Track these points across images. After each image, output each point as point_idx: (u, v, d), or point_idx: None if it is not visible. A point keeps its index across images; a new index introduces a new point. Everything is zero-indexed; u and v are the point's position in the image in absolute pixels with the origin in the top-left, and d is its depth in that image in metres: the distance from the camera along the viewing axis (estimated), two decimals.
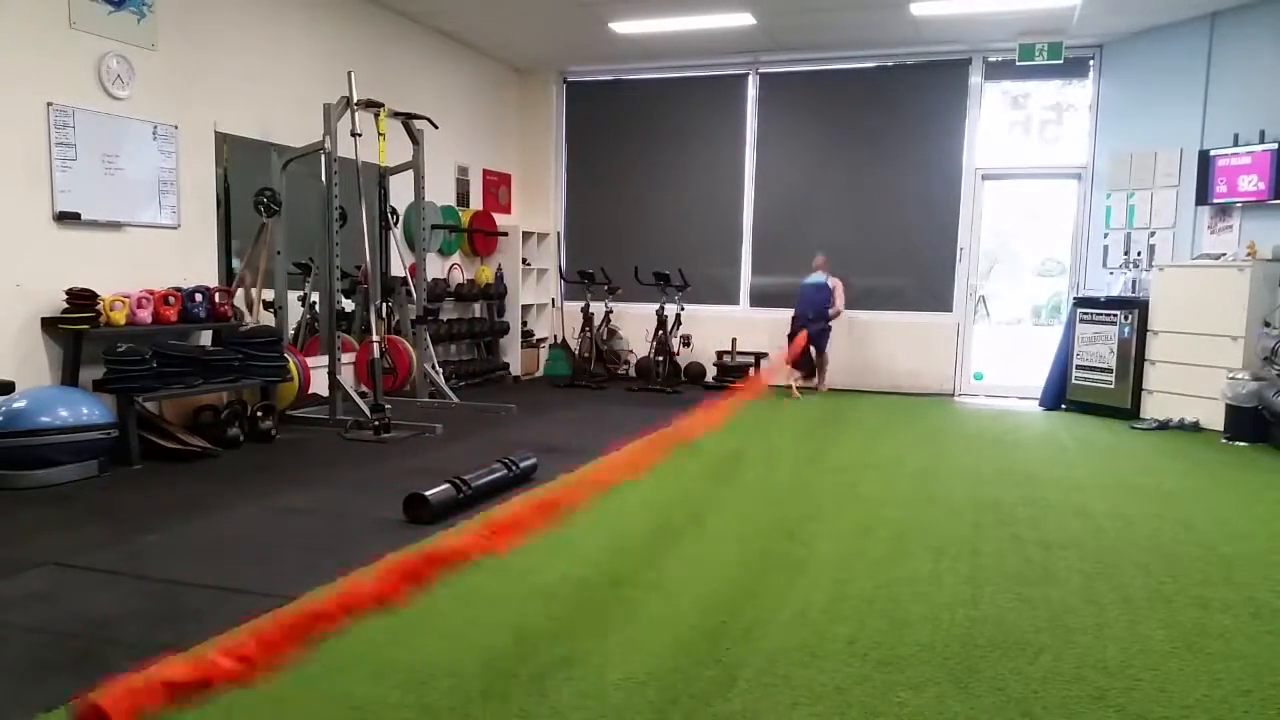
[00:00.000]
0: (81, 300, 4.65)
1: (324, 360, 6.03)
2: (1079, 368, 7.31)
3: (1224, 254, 6.56)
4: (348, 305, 6.69)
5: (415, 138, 6.58)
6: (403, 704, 2.11)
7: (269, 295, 6.05)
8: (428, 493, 3.69)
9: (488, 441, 5.41)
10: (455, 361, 8.11)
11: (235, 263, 5.93)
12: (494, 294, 8.68)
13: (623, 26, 7.57)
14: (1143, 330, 6.84)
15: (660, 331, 8.42)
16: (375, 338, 5.85)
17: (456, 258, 8.40)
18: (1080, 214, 8.00)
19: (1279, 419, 5.73)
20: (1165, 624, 2.73)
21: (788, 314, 8.80)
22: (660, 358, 8.40)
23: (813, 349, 8.15)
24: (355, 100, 5.77)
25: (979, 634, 2.61)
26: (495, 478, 4.14)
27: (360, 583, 1.80)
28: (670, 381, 8.29)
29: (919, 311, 8.40)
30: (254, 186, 5.85)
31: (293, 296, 6.31)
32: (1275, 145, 6.25)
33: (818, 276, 8.16)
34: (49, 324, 4.66)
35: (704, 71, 8.85)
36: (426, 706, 2.12)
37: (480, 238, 8.59)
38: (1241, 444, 5.87)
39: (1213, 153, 6.67)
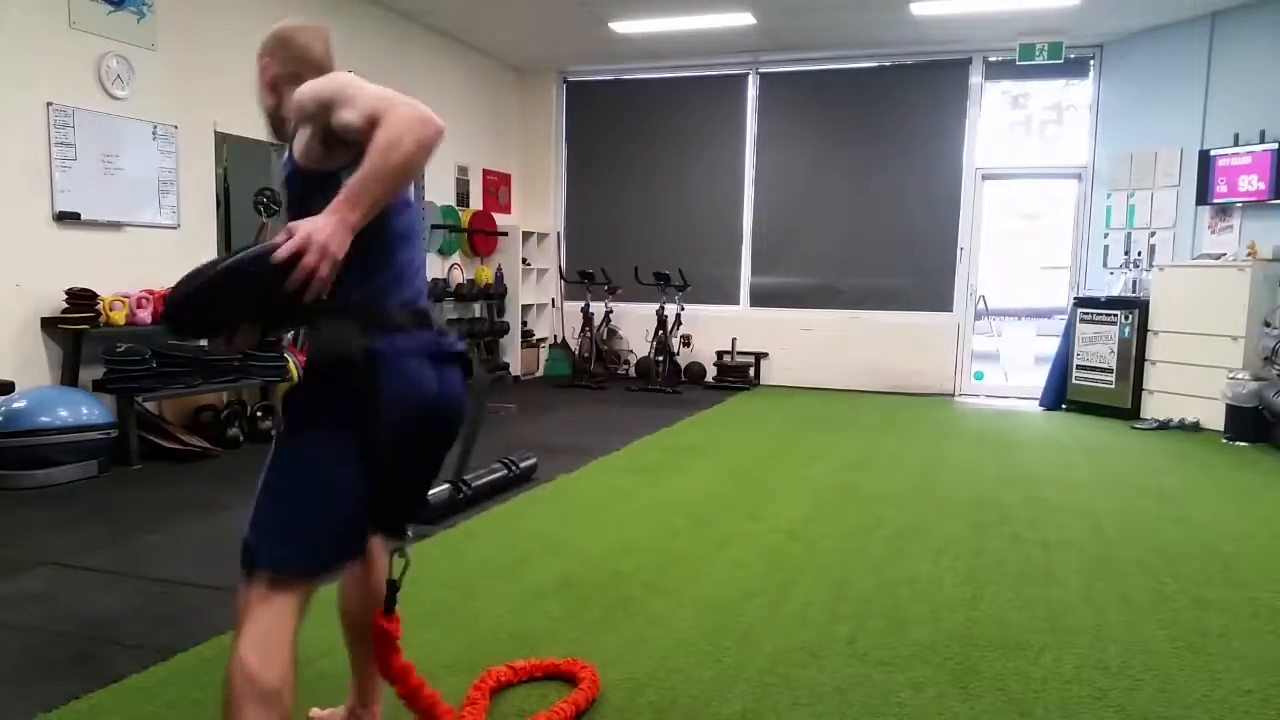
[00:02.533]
0: (81, 300, 4.65)
1: None
2: (1079, 368, 7.30)
3: (1224, 254, 6.56)
4: None
5: None
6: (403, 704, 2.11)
7: None
8: (427, 493, 3.69)
9: (488, 441, 5.40)
10: None
11: None
12: (494, 294, 8.68)
13: (623, 26, 7.57)
14: (1143, 330, 6.84)
15: (660, 331, 8.41)
16: None
17: (456, 258, 8.40)
18: (1080, 214, 8.00)
19: (1279, 419, 5.73)
20: (1165, 624, 2.73)
21: (788, 315, 8.81)
22: (660, 358, 8.39)
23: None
24: None
25: (979, 634, 2.61)
26: (495, 478, 4.14)
27: None
28: (670, 381, 8.29)
29: (919, 311, 8.40)
30: (254, 186, 5.85)
31: None
32: (1275, 145, 6.25)
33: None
34: (49, 324, 4.65)
35: (704, 71, 8.85)
36: None
37: (480, 238, 8.58)
38: (1242, 444, 5.87)
39: (1213, 153, 6.67)
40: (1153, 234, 7.26)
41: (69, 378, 4.66)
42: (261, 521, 1.53)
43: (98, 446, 4.32)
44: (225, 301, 1.45)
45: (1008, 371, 8.46)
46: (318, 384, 1.57)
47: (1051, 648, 2.53)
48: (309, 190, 1.50)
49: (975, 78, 8.11)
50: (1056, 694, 2.24)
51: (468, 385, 1.71)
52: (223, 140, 5.71)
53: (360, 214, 1.39)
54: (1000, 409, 7.61)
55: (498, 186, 9.06)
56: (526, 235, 9.05)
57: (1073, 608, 2.85)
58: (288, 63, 1.68)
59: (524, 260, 8.97)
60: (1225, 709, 2.19)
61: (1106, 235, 7.68)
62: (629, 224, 9.22)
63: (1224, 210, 6.74)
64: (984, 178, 8.19)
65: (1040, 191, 8.47)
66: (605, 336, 9.02)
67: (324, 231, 1.36)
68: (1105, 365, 7.09)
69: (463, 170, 8.46)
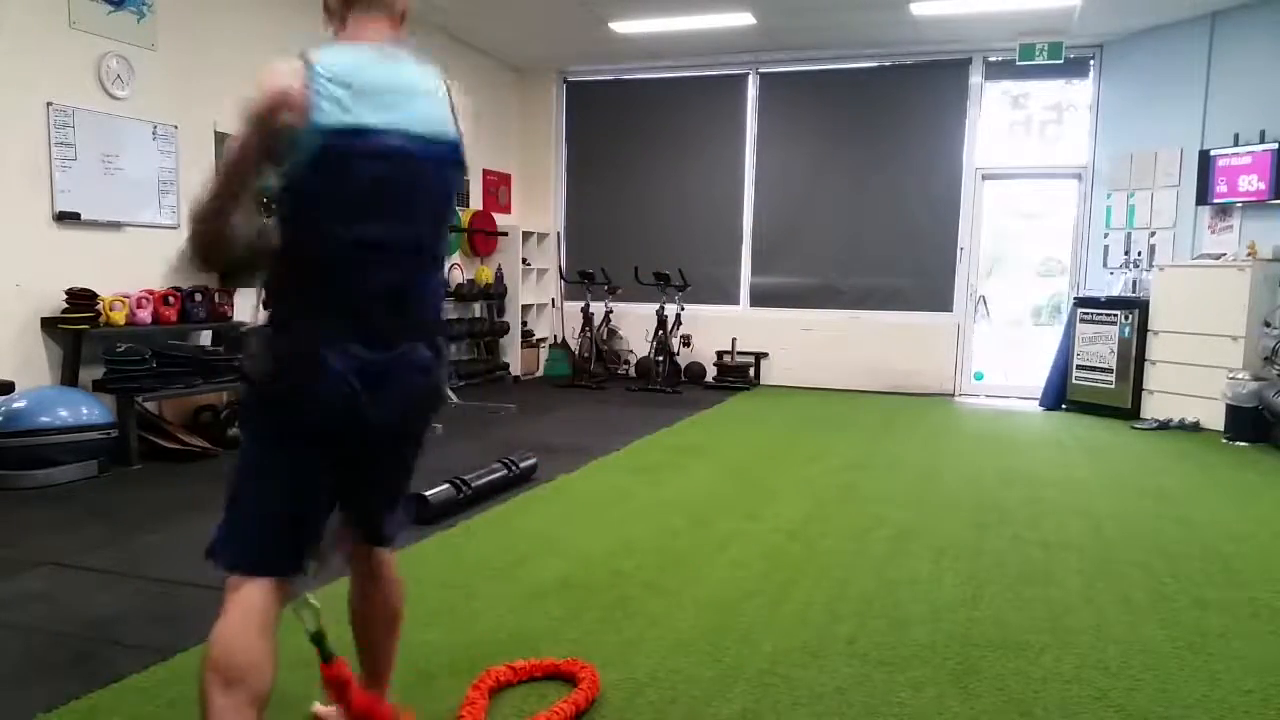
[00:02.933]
0: (81, 300, 4.65)
1: None
2: (1079, 368, 7.31)
3: (1224, 254, 6.56)
4: None
5: None
6: (403, 703, 2.11)
7: None
8: (428, 493, 3.69)
9: (488, 441, 5.41)
10: (455, 361, 8.11)
11: None
12: (494, 294, 8.68)
13: (623, 26, 7.57)
14: (1143, 330, 6.84)
15: (660, 331, 8.41)
16: None
17: (456, 258, 8.40)
18: (1080, 214, 8.00)
19: (1279, 419, 5.73)
20: (1165, 624, 2.73)
21: (788, 315, 8.81)
22: (660, 358, 8.39)
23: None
24: None
25: (979, 634, 2.61)
26: (495, 478, 4.14)
27: None
28: (670, 381, 8.29)
29: (919, 311, 8.40)
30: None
31: None
32: (1275, 145, 6.25)
33: (412, 72, 1.67)
34: (49, 324, 4.65)
35: (704, 71, 8.85)
36: (427, 706, 2.11)
37: (480, 238, 8.58)
38: (1242, 444, 5.87)
39: (1213, 153, 6.67)
40: (1153, 234, 7.26)
41: (69, 378, 4.66)
42: (222, 524, 1.65)
43: (98, 446, 4.32)
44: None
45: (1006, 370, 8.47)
46: (253, 394, 1.61)
47: (1051, 648, 2.53)
48: None
49: (975, 78, 8.11)
50: (1056, 694, 2.24)
51: (428, 393, 1.70)
52: (223, 140, 5.70)
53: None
54: (1000, 409, 7.61)
55: (498, 186, 9.06)
56: (526, 235, 9.05)
57: (1073, 608, 2.85)
58: None
59: (524, 260, 8.97)
60: (1225, 709, 2.19)
61: (1106, 235, 7.68)
62: (629, 224, 9.22)
63: (1224, 210, 6.74)
64: (984, 178, 8.19)
65: (1040, 191, 8.47)
66: (605, 336, 9.02)
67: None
68: (1105, 365, 7.09)
69: None
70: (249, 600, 1.58)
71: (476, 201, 8.68)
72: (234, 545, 1.62)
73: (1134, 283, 7.15)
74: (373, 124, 1.52)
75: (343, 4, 1.67)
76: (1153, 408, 6.74)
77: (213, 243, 1.58)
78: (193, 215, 1.59)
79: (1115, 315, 7.02)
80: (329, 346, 1.53)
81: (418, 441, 1.80)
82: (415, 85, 1.63)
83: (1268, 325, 6.06)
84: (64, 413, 4.22)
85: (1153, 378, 6.80)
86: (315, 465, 1.62)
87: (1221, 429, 6.09)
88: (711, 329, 8.74)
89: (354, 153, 1.50)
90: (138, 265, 5.13)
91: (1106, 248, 7.67)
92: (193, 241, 1.60)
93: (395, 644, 1.96)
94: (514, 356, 8.93)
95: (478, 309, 8.62)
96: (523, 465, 4.38)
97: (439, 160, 1.63)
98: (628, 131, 9.19)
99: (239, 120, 1.52)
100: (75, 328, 4.61)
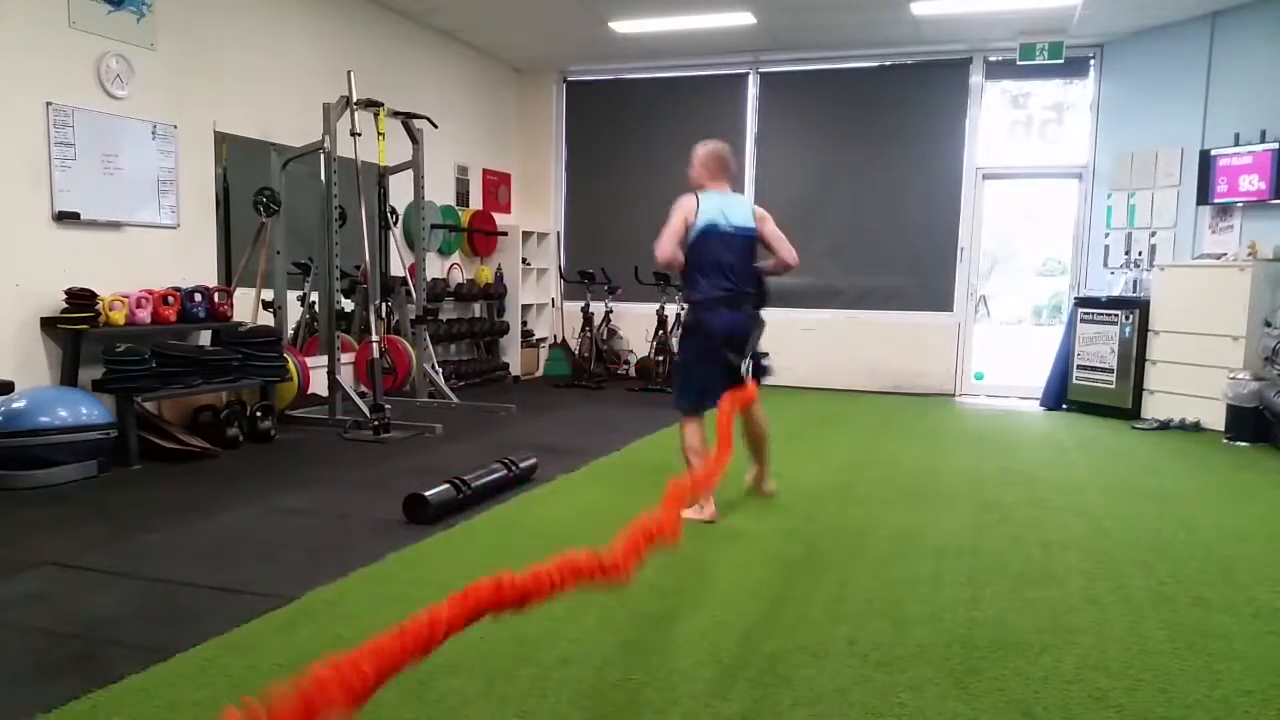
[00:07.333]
0: (81, 300, 4.65)
1: (323, 360, 6.02)
2: (1080, 368, 7.30)
3: (1225, 254, 6.56)
4: (347, 305, 6.69)
5: (415, 137, 6.57)
6: (402, 704, 2.11)
7: (268, 295, 6.05)
8: (427, 493, 3.69)
9: (488, 441, 5.40)
10: (455, 361, 8.11)
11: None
12: (494, 294, 8.68)
13: (623, 26, 7.57)
14: (1144, 330, 6.83)
15: (660, 331, 8.41)
16: (375, 337, 5.85)
17: (456, 257, 8.40)
18: (1081, 214, 7.99)
19: (1279, 419, 5.72)
20: (1166, 624, 2.73)
21: (788, 315, 8.79)
22: (660, 358, 8.39)
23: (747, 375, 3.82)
24: (355, 100, 5.76)
25: (979, 634, 2.61)
26: (495, 478, 4.14)
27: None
28: (670, 382, 8.27)
29: (919, 311, 8.40)
30: (253, 186, 5.85)
31: (292, 296, 6.31)
32: (1276, 145, 6.25)
33: (734, 201, 3.91)
34: (48, 324, 4.65)
35: (704, 71, 8.85)
36: (426, 706, 2.11)
37: (480, 237, 8.58)
38: (1243, 444, 5.86)
39: (1214, 152, 6.67)
40: (1153, 234, 7.26)
41: (68, 378, 4.66)
42: (674, 391, 4.04)
43: (97, 446, 4.31)
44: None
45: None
46: (689, 329, 3.96)
47: (1052, 648, 2.52)
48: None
49: (975, 77, 8.10)
50: (1057, 694, 2.24)
51: (751, 321, 3.89)
52: (222, 140, 5.71)
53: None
54: (1000, 409, 7.60)
55: (498, 186, 9.06)
56: (526, 235, 9.05)
57: (1073, 608, 2.85)
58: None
59: (524, 260, 8.97)
60: (1226, 709, 2.18)
61: (1107, 235, 7.68)
62: (629, 224, 9.19)
63: (1224, 210, 6.73)
64: (984, 177, 8.19)
65: (1041, 191, 8.48)
66: (605, 336, 9.02)
67: None
68: (1106, 365, 7.09)
69: (463, 170, 8.46)
70: (692, 423, 3.86)
71: (476, 201, 8.68)
72: (679, 399, 3.92)
73: (1134, 282, 7.14)
74: (718, 223, 3.79)
75: (708, 177, 3.99)
76: (1153, 408, 6.74)
77: (665, 264, 3.75)
78: (658, 249, 3.73)
79: (1116, 315, 7.01)
80: (709, 309, 3.82)
81: (744, 340, 3.84)
82: (737, 205, 3.93)
83: (1268, 325, 6.05)
84: (63, 413, 4.22)
85: (1153, 378, 6.80)
86: (714, 353, 3.81)
87: (1222, 429, 6.08)
88: None
89: (710, 235, 3.78)
90: (137, 265, 5.13)
91: (1107, 247, 7.67)
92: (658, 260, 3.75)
93: (766, 446, 4.16)
94: (514, 356, 8.93)
95: (478, 309, 8.62)
96: (523, 465, 4.38)
97: (745, 236, 3.87)
98: (628, 131, 9.18)
99: (673, 214, 3.78)
100: (75, 328, 4.61)
